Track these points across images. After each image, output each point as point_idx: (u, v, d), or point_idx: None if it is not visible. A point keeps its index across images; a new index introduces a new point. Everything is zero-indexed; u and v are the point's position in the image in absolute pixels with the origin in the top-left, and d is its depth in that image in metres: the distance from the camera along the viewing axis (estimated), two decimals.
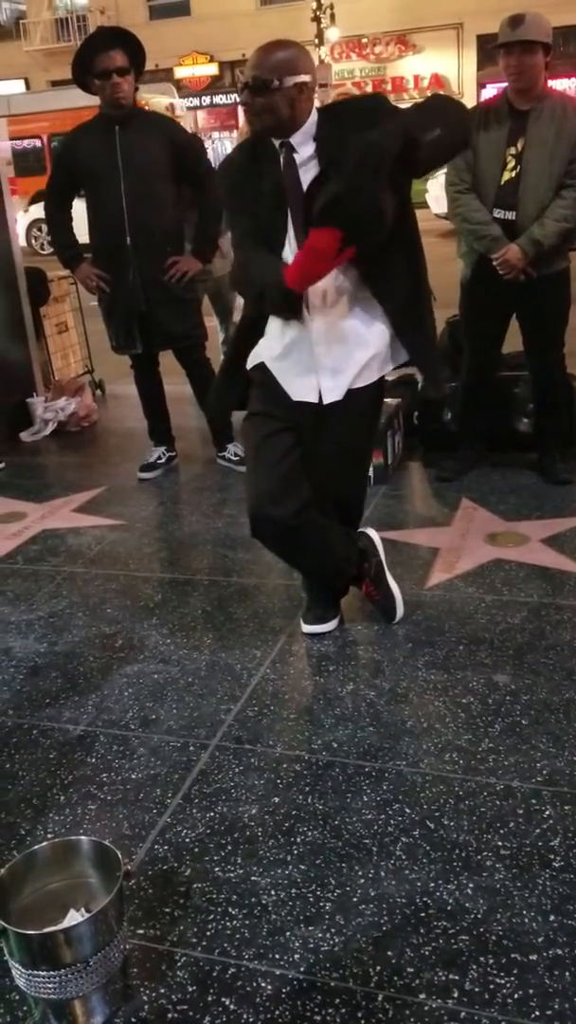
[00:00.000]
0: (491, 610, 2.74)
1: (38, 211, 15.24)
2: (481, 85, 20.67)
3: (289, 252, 2.29)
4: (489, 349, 3.61)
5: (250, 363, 2.50)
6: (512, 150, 3.22)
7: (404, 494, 3.73)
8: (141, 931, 1.70)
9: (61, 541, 3.53)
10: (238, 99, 2.31)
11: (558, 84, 15.95)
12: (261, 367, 2.46)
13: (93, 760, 2.20)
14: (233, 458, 4.04)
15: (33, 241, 15.32)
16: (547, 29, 3.13)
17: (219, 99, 25.91)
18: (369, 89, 24.14)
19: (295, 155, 2.25)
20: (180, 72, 25.74)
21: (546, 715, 2.23)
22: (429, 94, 2.07)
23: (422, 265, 2.40)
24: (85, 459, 4.55)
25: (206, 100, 26.05)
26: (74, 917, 1.56)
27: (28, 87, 25.50)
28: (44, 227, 15.36)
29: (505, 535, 3.23)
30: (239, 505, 3.47)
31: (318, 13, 21.53)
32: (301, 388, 2.39)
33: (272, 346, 2.42)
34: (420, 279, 2.39)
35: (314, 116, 2.25)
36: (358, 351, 2.36)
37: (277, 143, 2.28)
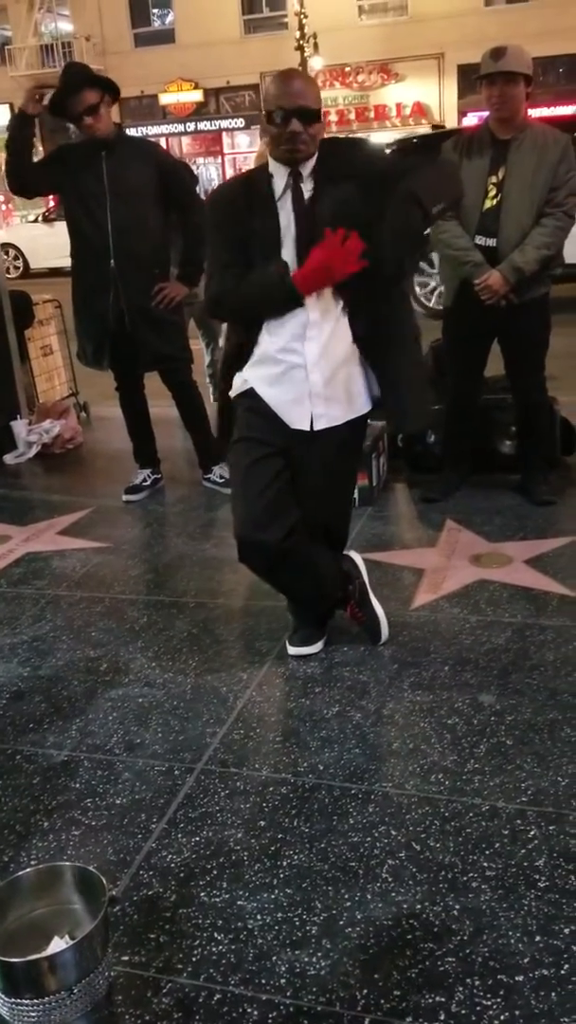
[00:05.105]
0: (476, 631, 2.75)
1: (3, 235, 15.43)
2: (463, 113, 20.99)
3: None
4: (472, 373, 3.65)
5: (237, 389, 2.50)
6: (494, 178, 3.28)
7: (389, 516, 3.75)
8: (126, 957, 1.68)
9: (45, 564, 3.52)
10: (275, 126, 2.25)
11: (537, 113, 16.22)
12: (250, 393, 2.46)
13: (77, 785, 2.19)
14: (219, 480, 4.05)
15: None
16: (527, 61, 3.20)
17: (204, 125, 26.16)
18: (352, 117, 24.51)
19: (302, 184, 2.31)
20: (165, 99, 26.00)
21: (531, 735, 2.23)
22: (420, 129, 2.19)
23: (400, 306, 2.45)
24: (70, 481, 4.55)
25: (191, 126, 26.30)
26: (58, 944, 1.55)
27: (13, 112, 25.68)
28: (11, 251, 15.49)
29: (489, 556, 3.25)
30: (225, 527, 3.48)
31: (301, 42, 21.78)
32: (295, 415, 2.41)
33: (264, 373, 2.42)
34: (392, 317, 2.42)
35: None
36: (351, 381, 2.39)
37: (284, 175, 2.31)
